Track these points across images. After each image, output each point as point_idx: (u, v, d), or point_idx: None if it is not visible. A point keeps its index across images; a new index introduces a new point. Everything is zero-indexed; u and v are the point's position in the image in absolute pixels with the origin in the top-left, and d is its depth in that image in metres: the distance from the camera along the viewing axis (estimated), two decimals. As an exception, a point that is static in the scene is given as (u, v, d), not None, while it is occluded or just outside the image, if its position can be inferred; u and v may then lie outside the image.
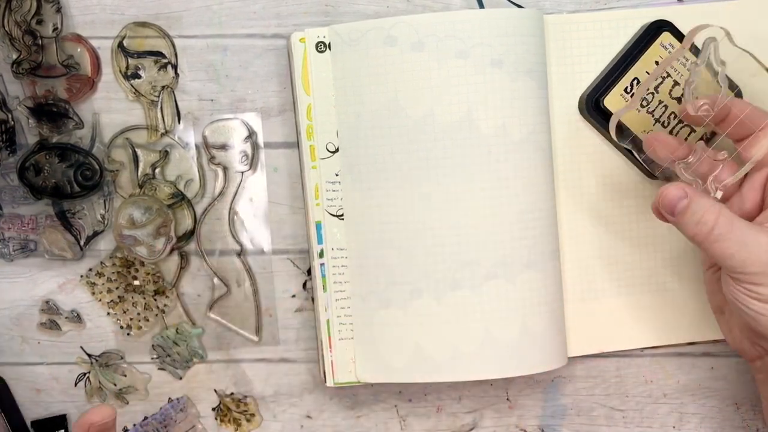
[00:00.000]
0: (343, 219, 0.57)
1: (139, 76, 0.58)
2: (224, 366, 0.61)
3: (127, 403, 0.61)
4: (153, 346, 0.60)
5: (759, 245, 0.47)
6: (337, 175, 0.56)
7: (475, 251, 0.54)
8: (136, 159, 0.58)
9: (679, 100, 0.56)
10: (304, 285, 0.60)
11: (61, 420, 0.60)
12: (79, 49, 0.57)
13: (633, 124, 0.56)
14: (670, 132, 0.56)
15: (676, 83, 0.56)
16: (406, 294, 0.55)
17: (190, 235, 0.59)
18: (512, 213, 0.54)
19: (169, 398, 0.61)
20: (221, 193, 0.59)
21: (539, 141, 0.55)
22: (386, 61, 0.54)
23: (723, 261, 0.48)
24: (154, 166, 0.58)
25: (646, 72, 0.56)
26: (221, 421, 0.61)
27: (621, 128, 0.56)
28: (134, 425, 0.61)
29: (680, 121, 0.56)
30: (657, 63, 0.56)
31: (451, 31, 0.53)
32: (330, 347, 0.57)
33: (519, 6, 0.58)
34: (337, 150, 0.56)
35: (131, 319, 0.60)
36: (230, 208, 0.59)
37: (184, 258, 0.59)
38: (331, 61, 0.56)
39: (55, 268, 0.60)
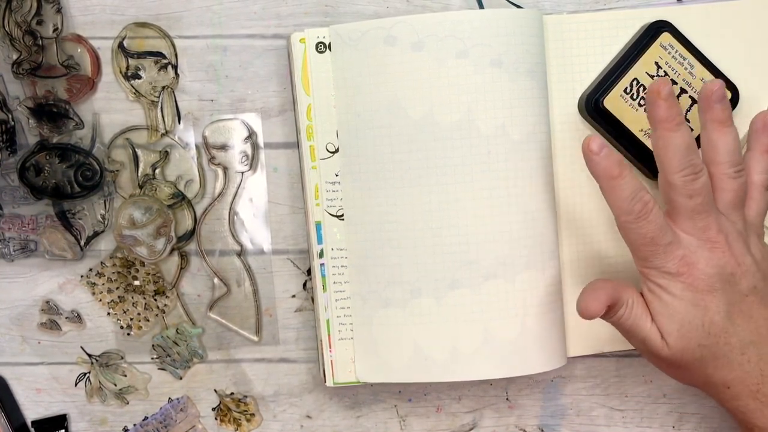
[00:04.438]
0: (342, 219, 0.57)
1: (139, 77, 0.58)
2: (224, 366, 0.61)
3: (127, 403, 0.61)
4: (153, 346, 0.60)
5: None
6: (337, 175, 0.56)
7: (475, 251, 0.54)
8: (136, 159, 0.58)
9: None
10: (304, 285, 0.60)
11: (61, 420, 0.61)
12: (79, 50, 0.57)
13: (631, 123, 0.56)
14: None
15: (673, 82, 0.56)
16: (406, 294, 0.55)
17: (190, 235, 0.59)
18: (512, 213, 0.54)
19: (169, 398, 0.61)
20: (221, 194, 0.59)
21: (539, 141, 0.55)
22: (386, 61, 0.54)
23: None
24: (154, 167, 0.58)
25: (646, 72, 0.56)
26: (221, 421, 0.61)
27: None
28: (134, 425, 0.61)
29: (679, 121, 0.56)
30: (657, 64, 0.56)
31: (451, 31, 0.53)
32: (330, 347, 0.57)
33: (518, 6, 0.58)
34: (337, 150, 0.56)
35: (131, 319, 0.60)
36: (230, 209, 0.59)
37: (184, 258, 0.59)
38: (331, 62, 0.56)
39: (55, 268, 0.60)
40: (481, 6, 0.58)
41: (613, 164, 0.48)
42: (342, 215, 0.57)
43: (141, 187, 0.58)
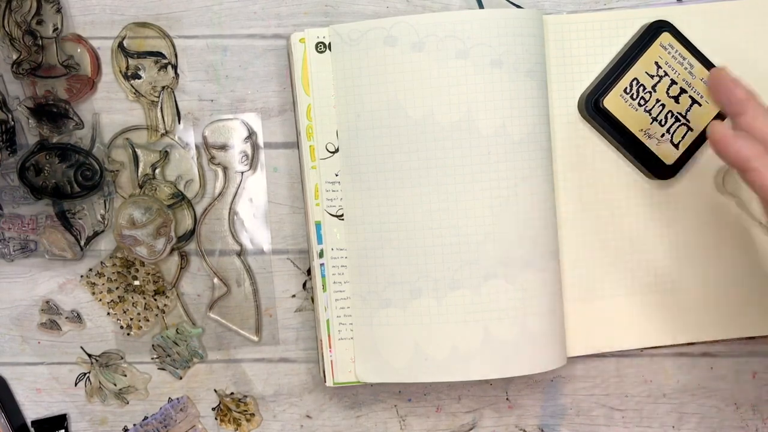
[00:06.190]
0: (342, 219, 0.57)
1: (139, 77, 0.58)
2: (224, 366, 0.61)
3: (127, 403, 0.61)
4: (153, 346, 0.60)
5: None
6: (336, 175, 0.56)
7: (475, 251, 0.54)
8: (136, 159, 0.58)
9: (676, 99, 0.56)
10: (304, 285, 0.60)
11: (61, 420, 0.61)
12: (79, 50, 0.57)
13: (631, 123, 0.56)
14: (667, 131, 0.56)
15: (673, 82, 0.56)
16: (406, 294, 0.55)
17: (190, 235, 0.59)
18: (512, 213, 0.54)
19: (169, 398, 0.61)
20: (221, 194, 0.59)
21: (539, 141, 0.55)
22: (386, 61, 0.54)
23: None
24: (154, 167, 0.58)
25: (646, 72, 0.56)
26: (221, 420, 0.61)
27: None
28: (134, 425, 0.61)
29: (677, 120, 0.56)
30: (656, 63, 0.56)
31: (451, 31, 0.53)
32: (330, 347, 0.57)
33: (518, 6, 0.58)
34: (336, 150, 0.56)
35: (131, 319, 0.60)
36: (230, 208, 0.59)
37: (184, 258, 0.59)
38: (331, 62, 0.56)
39: (55, 268, 0.60)
40: (481, 6, 0.58)
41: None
42: (342, 215, 0.57)
43: (141, 187, 0.58)
